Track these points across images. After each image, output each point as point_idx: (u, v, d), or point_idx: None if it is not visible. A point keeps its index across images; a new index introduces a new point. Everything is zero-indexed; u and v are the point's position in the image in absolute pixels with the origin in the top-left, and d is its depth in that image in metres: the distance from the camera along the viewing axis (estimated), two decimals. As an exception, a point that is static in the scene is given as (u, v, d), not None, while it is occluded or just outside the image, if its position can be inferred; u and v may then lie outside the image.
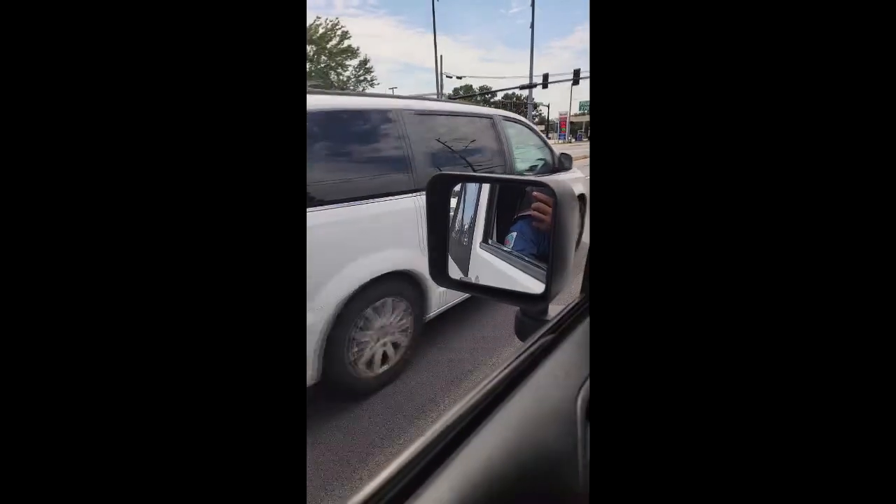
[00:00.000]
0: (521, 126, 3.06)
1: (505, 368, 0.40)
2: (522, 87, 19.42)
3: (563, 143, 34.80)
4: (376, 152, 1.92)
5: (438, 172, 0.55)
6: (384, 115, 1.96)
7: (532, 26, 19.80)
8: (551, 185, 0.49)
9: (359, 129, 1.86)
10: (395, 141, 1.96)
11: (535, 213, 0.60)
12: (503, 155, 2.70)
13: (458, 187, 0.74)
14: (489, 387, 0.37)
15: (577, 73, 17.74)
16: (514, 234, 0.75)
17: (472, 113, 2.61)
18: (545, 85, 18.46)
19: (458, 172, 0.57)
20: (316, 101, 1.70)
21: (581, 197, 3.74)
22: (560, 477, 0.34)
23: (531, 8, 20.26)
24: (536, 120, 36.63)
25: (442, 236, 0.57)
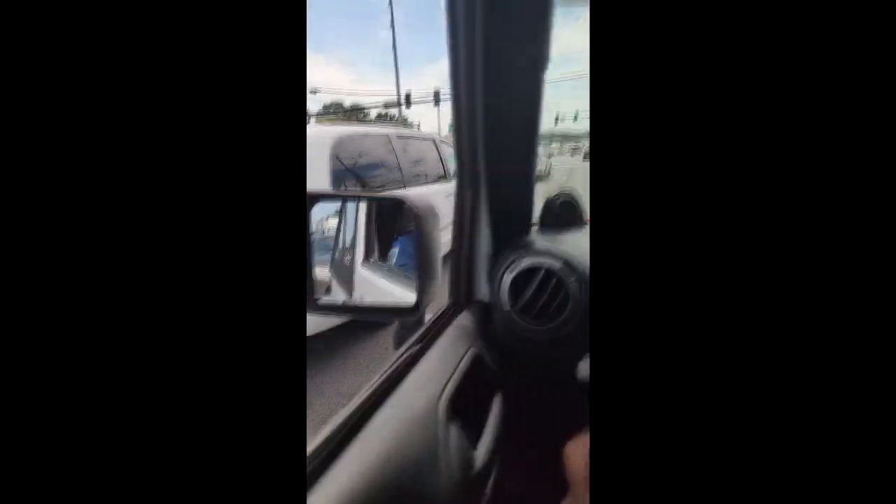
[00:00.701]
0: (446, 145, 4.17)
1: (372, 385, 0.40)
2: (387, 105, 19.83)
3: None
4: (382, 161, 2.96)
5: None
6: (386, 138, 3.10)
7: (395, 48, 21.03)
8: (410, 200, 0.51)
9: (371, 147, 2.86)
10: (390, 154, 3.05)
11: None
12: (442, 164, 3.81)
13: (337, 207, 0.73)
14: (356, 405, 0.37)
15: (436, 94, 18.58)
16: (396, 250, 0.76)
17: (424, 136, 3.95)
18: (409, 104, 19.58)
19: (317, 191, 0.56)
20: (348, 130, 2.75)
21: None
22: (425, 479, 0.35)
23: (391, 29, 21.60)
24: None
25: (305, 259, 0.56)
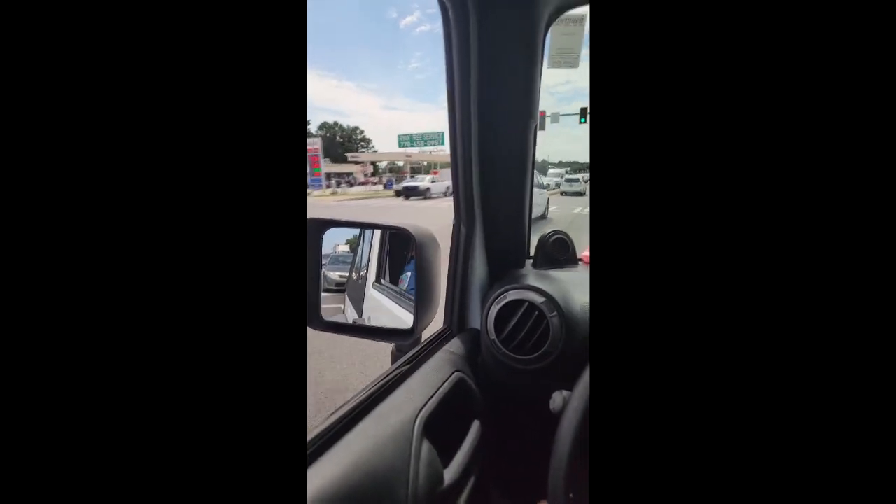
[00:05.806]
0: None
1: (355, 399, 0.43)
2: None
3: (327, 193, 21.72)
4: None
5: (310, 217, 0.58)
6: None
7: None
8: (409, 229, 0.55)
9: None
10: None
11: None
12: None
13: (350, 233, 0.79)
14: (336, 417, 0.40)
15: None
16: (408, 273, 0.80)
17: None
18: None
19: (329, 218, 0.61)
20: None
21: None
22: (392, 489, 0.38)
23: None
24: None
25: (315, 280, 0.61)
